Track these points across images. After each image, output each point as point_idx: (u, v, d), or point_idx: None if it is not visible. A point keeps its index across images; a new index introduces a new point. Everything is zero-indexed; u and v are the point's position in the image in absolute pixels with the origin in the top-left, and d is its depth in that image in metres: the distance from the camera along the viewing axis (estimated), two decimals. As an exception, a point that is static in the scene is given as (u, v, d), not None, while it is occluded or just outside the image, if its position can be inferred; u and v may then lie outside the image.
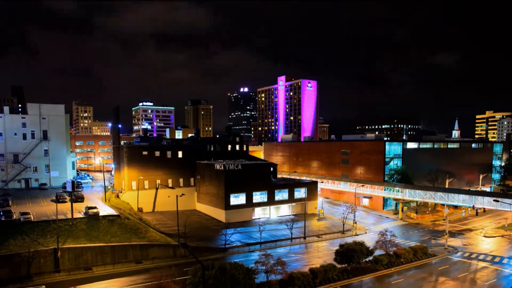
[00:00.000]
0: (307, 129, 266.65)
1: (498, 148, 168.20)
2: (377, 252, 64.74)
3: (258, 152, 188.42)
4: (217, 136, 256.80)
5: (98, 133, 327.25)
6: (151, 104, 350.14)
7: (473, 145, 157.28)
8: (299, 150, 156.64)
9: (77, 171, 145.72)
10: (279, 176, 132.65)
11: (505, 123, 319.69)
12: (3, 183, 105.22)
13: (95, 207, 71.33)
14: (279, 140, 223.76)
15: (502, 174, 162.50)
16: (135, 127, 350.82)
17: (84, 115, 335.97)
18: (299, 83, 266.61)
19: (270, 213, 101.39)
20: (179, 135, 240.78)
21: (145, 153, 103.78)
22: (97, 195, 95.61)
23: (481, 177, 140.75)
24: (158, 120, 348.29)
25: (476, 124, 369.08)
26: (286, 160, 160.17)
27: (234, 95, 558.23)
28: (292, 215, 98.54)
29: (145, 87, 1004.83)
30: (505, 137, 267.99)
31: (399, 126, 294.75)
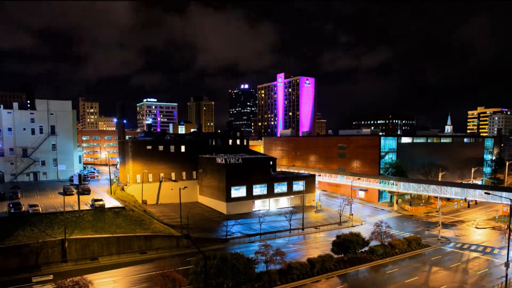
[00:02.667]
0: (305, 124, 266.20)
1: (489, 143, 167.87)
2: (373, 243, 64.69)
3: (258, 146, 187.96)
4: (219, 131, 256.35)
5: (104, 128, 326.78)
6: (155, 100, 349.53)
7: (465, 140, 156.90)
8: (297, 144, 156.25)
9: (84, 165, 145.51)
10: (278, 169, 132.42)
11: (496, 118, 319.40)
12: (12, 176, 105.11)
13: (101, 200, 71.15)
14: (278, 135, 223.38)
15: (493, 167, 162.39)
16: (140, 123, 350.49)
17: (91, 110, 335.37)
18: (298, 80, 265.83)
19: (270, 205, 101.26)
20: (182, 130, 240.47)
21: (149, 147, 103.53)
22: (103, 188, 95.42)
23: (472, 171, 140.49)
24: (161, 115, 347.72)
25: (468, 120, 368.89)
26: (285, 154, 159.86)
27: (235, 91, 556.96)
28: (291, 207, 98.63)
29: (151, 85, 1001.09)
30: (496, 132, 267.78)
31: (394, 121, 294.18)
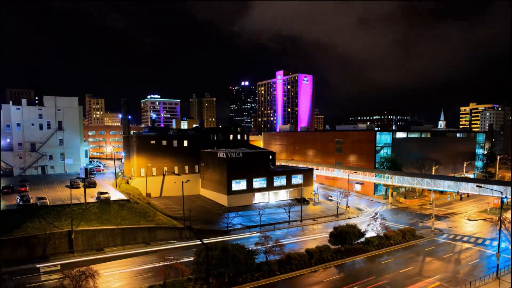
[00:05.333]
0: (303, 120, 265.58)
1: (481, 138, 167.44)
2: (369, 234, 64.58)
3: (258, 141, 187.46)
4: (220, 126, 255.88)
5: (109, 124, 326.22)
6: (159, 96, 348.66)
7: (458, 135, 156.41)
8: (296, 139, 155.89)
9: (90, 159, 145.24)
10: (277, 163, 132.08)
11: (487, 114, 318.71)
12: (21, 170, 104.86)
13: (106, 193, 70.96)
14: (278, 130, 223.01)
15: (484, 161, 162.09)
16: (144, 118, 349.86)
17: (96, 106, 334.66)
18: (296, 77, 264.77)
19: (269, 198, 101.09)
20: (184, 125, 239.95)
21: (153, 142, 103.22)
22: (108, 181, 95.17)
23: (465, 165, 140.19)
24: (165, 111, 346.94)
25: (461, 115, 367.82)
26: (284, 149, 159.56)
27: (235, 88, 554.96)
28: (290, 199, 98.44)
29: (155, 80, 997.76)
30: (487, 127, 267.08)
31: (389, 117, 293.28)
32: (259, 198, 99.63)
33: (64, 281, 38.30)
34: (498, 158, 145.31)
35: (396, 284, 48.56)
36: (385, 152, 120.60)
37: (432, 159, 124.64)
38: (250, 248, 49.80)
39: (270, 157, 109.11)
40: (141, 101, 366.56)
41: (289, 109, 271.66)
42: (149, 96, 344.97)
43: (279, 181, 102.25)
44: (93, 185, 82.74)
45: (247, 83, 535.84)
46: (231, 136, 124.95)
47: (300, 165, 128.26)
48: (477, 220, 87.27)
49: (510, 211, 79.26)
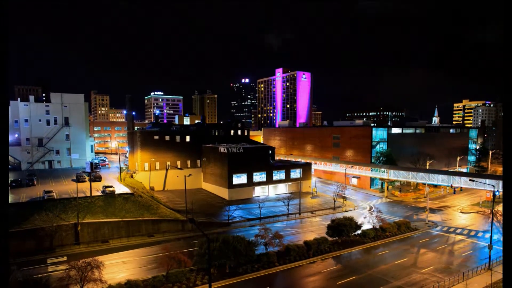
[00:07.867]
0: (302, 116, 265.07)
1: (473, 133, 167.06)
2: (365, 227, 64.48)
3: (258, 136, 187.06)
4: (221, 122, 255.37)
5: (114, 120, 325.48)
6: (162, 93, 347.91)
7: (451, 131, 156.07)
8: (294, 134, 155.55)
9: (95, 154, 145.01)
10: (276, 158, 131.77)
11: (480, 110, 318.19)
12: (28, 165, 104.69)
13: (111, 186, 70.73)
14: (277, 126, 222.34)
15: (477, 156, 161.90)
16: (148, 114, 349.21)
17: (102, 103, 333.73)
18: (295, 75, 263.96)
19: (269, 192, 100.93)
20: (187, 121, 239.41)
21: (156, 137, 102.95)
22: (113, 175, 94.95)
23: (458, 159, 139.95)
24: (168, 108, 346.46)
25: (454, 112, 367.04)
26: (283, 144, 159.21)
27: (236, 85, 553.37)
28: (289, 193, 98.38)
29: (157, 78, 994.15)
30: (479, 123, 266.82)
31: (385, 113, 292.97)
32: (259, 192, 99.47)
33: (70, 272, 38.15)
34: (490, 153, 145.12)
35: (392, 274, 48.51)
36: (381, 147, 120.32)
37: (427, 154, 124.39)
38: (250, 240, 49.65)
39: (270, 152, 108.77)
40: (145, 97, 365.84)
41: (288, 106, 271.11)
42: (152, 93, 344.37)
43: (279, 175, 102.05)
44: (98, 179, 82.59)
45: (247, 80, 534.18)
46: (232, 131, 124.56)
47: (299, 160, 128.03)
48: (470, 213, 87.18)
49: (502, 204, 79.19)
